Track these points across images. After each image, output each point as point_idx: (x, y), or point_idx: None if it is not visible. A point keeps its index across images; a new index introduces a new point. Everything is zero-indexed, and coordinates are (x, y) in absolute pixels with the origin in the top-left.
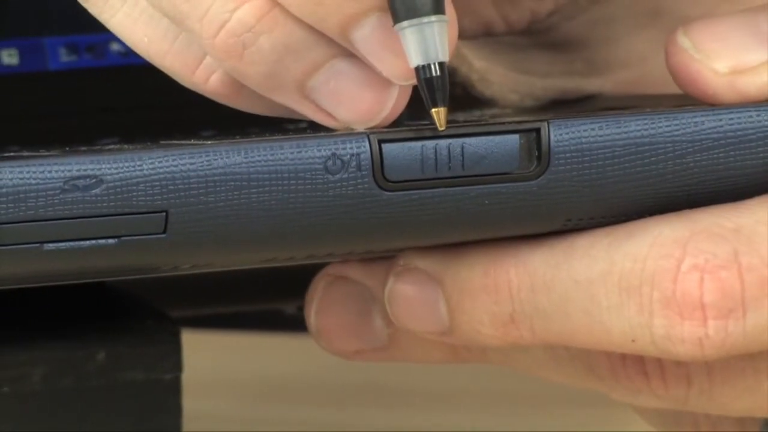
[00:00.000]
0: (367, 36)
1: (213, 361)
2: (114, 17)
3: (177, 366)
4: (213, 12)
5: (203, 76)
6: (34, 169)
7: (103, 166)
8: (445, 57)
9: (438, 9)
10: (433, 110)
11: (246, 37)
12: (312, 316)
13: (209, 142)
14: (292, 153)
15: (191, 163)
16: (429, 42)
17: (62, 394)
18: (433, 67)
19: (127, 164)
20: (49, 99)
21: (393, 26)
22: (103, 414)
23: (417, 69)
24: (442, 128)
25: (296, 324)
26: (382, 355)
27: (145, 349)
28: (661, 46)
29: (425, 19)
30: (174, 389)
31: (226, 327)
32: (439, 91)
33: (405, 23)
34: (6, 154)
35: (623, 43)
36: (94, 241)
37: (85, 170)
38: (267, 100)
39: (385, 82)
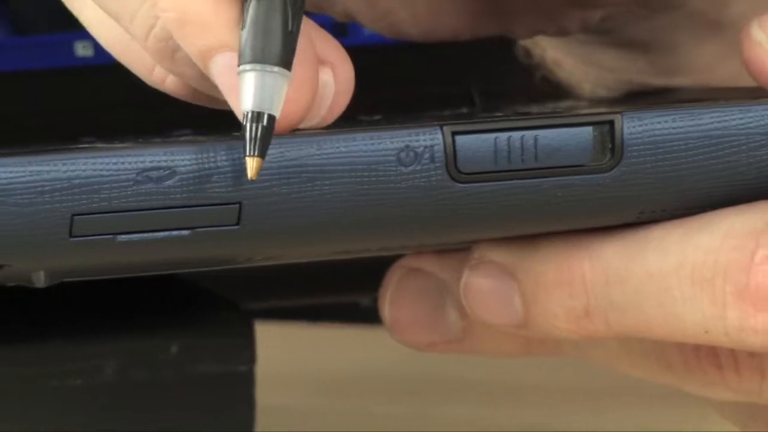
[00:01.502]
0: (221, 70)
1: (287, 354)
2: (82, 12)
3: (250, 358)
4: (140, 16)
5: (161, 76)
6: (107, 160)
7: (177, 157)
8: (275, 112)
9: (283, 62)
10: (248, 158)
11: (173, 42)
12: (386, 309)
13: (283, 135)
14: (365, 145)
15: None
16: (265, 91)
17: (135, 386)
18: (262, 116)
19: (200, 156)
20: (124, 91)
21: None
22: (175, 406)
23: (246, 113)
24: (252, 177)
25: (371, 316)
26: (455, 348)
27: (219, 341)
28: (726, 56)
29: (267, 67)
30: (247, 382)
31: (300, 319)
32: (260, 142)
33: (248, 66)
34: (80, 146)
35: (687, 51)
36: (167, 233)
37: (158, 162)
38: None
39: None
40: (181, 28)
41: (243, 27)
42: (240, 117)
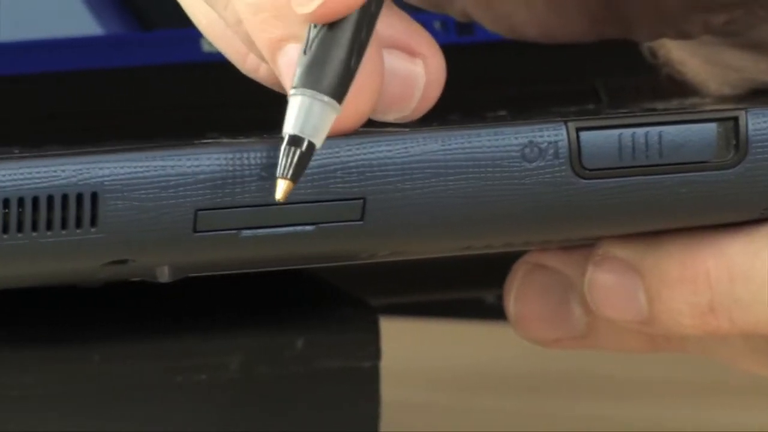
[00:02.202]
0: (289, 62)
1: (412, 350)
2: None
3: (375, 354)
4: (233, 2)
5: (254, 64)
6: (231, 155)
7: None
8: (316, 141)
9: (336, 95)
10: (279, 179)
11: None
12: (511, 305)
13: (407, 130)
14: (489, 141)
15: (389, 151)
16: (311, 118)
17: (260, 382)
18: (302, 142)
19: (324, 151)
20: (250, 87)
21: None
22: (300, 402)
23: (287, 135)
24: (280, 199)
25: (496, 313)
26: (580, 344)
27: (344, 336)
28: None
29: (318, 96)
30: (372, 377)
31: (425, 315)
32: (295, 167)
33: (299, 90)
34: (204, 141)
35: None
36: (291, 228)
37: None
38: None
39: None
40: (254, 15)
41: (305, 51)
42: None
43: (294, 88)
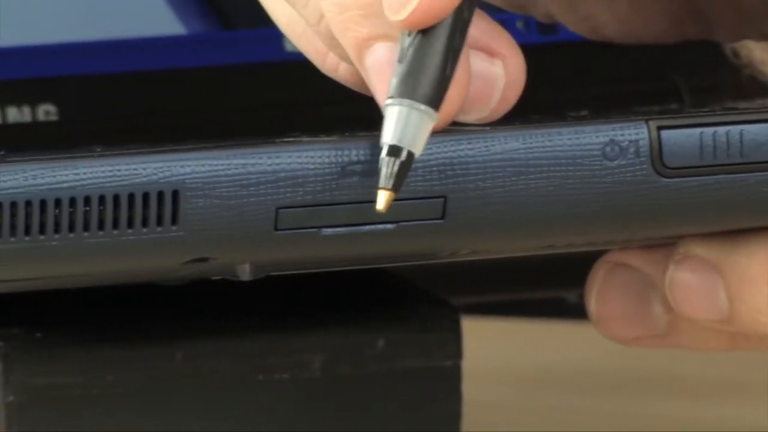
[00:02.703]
0: (377, 61)
1: (494, 349)
2: None
3: (457, 353)
4: (313, 1)
5: (333, 63)
6: (312, 153)
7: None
8: (415, 150)
9: (432, 103)
10: (381, 189)
11: None
12: (592, 303)
13: (488, 128)
14: (570, 139)
15: (470, 149)
16: (409, 127)
17: (341, 381)
18: (401, 152)
19: None
20: (332, 86)
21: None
22: (382, 401)
23: (385, 146)
24: (382, 210)
25: (578, 312)
26: (661, 342)
27: (425, 336)
28: None
29: (415, 105)
30: (454, 376)
31: (507, 314)
32: (395, 177)
33: (396, 100)
34: (286, 139)
35: None
36: (372, 227)
37: (363, 155)
38: None
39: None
40: (340, 14)
41: (400, 60)
42: (384, 111)
43: (390, 98)
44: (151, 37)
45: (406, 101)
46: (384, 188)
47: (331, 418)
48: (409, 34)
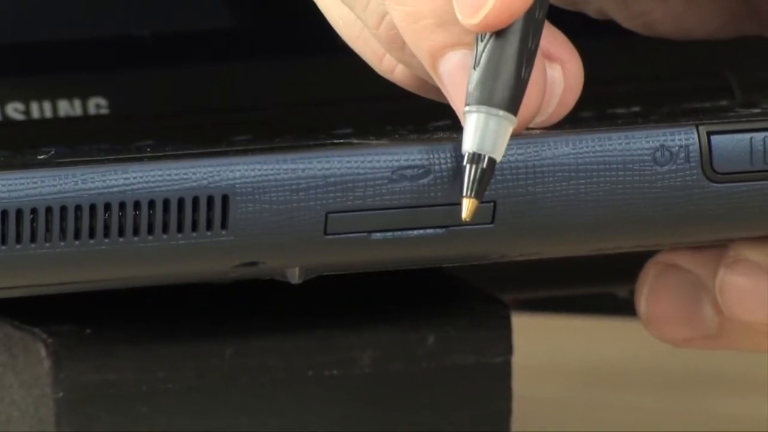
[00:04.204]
0: (452, 68)
1: (544, 345)
2: None
3: (507, 349)
4: (373, 3)
5: (390, 65)
6: (362, 158)
7: (432, 155)
8: (496, 155)
9: (510, 108)
10: (464, 198)
11: None
12: (642, 303)
13: (537, 133)
14: (620, 144)
15: (519, 154)
16: (488, 134)
17: (391, 377)
18: (483, 158)
19: (455, 154)
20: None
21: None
22: (432, 397)
23: (466, 153)
24: (467, 219)
25: (628, 308)
26: (711, 344)
27: (475, 332)
28: None
29: (493, 111)
30: (504, 373)
31: (557, 310)
32: (478, 184)
33: (473, 107)
34: (335, 142)
35: None
36: (421, 231)
37: (414, 160)
38: None
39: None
40: (414, 23)
41: (475, 67)
42: (461, 119)
43: (468, 105)
44: (203, 30)
45: (484, 108)
46: (467, 196)
47: (381, 415)
48: (482, 40)
